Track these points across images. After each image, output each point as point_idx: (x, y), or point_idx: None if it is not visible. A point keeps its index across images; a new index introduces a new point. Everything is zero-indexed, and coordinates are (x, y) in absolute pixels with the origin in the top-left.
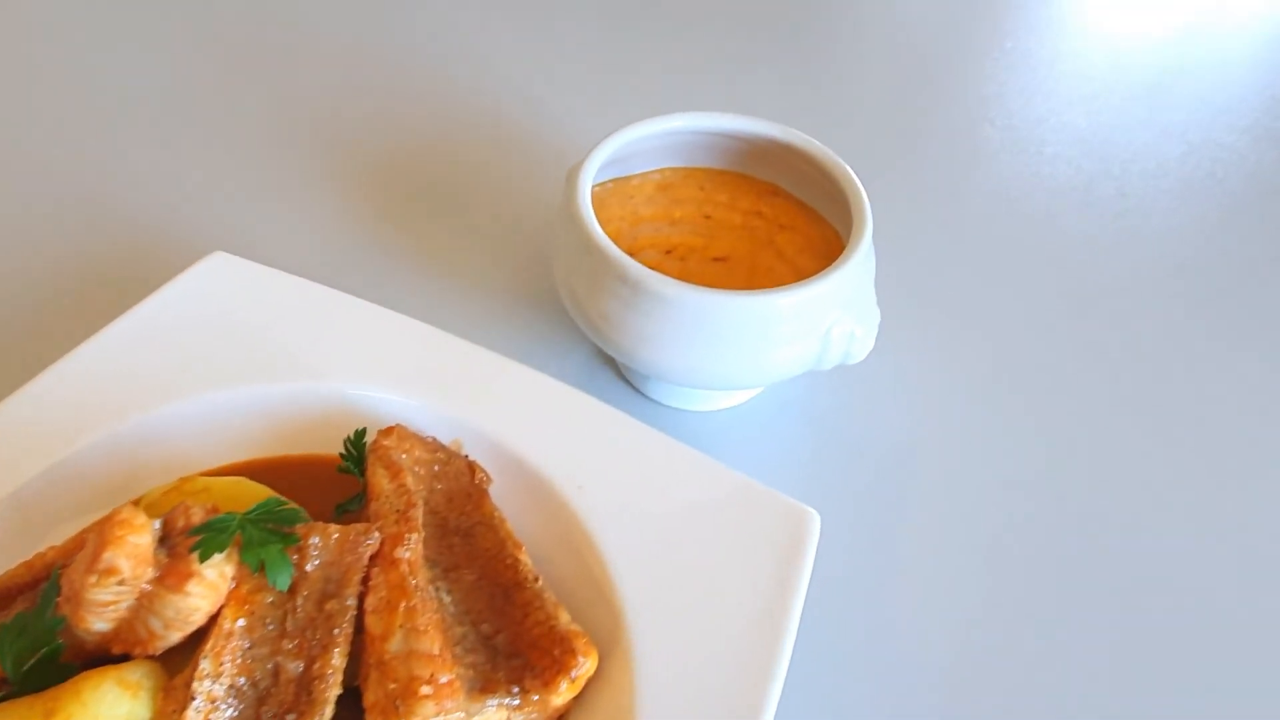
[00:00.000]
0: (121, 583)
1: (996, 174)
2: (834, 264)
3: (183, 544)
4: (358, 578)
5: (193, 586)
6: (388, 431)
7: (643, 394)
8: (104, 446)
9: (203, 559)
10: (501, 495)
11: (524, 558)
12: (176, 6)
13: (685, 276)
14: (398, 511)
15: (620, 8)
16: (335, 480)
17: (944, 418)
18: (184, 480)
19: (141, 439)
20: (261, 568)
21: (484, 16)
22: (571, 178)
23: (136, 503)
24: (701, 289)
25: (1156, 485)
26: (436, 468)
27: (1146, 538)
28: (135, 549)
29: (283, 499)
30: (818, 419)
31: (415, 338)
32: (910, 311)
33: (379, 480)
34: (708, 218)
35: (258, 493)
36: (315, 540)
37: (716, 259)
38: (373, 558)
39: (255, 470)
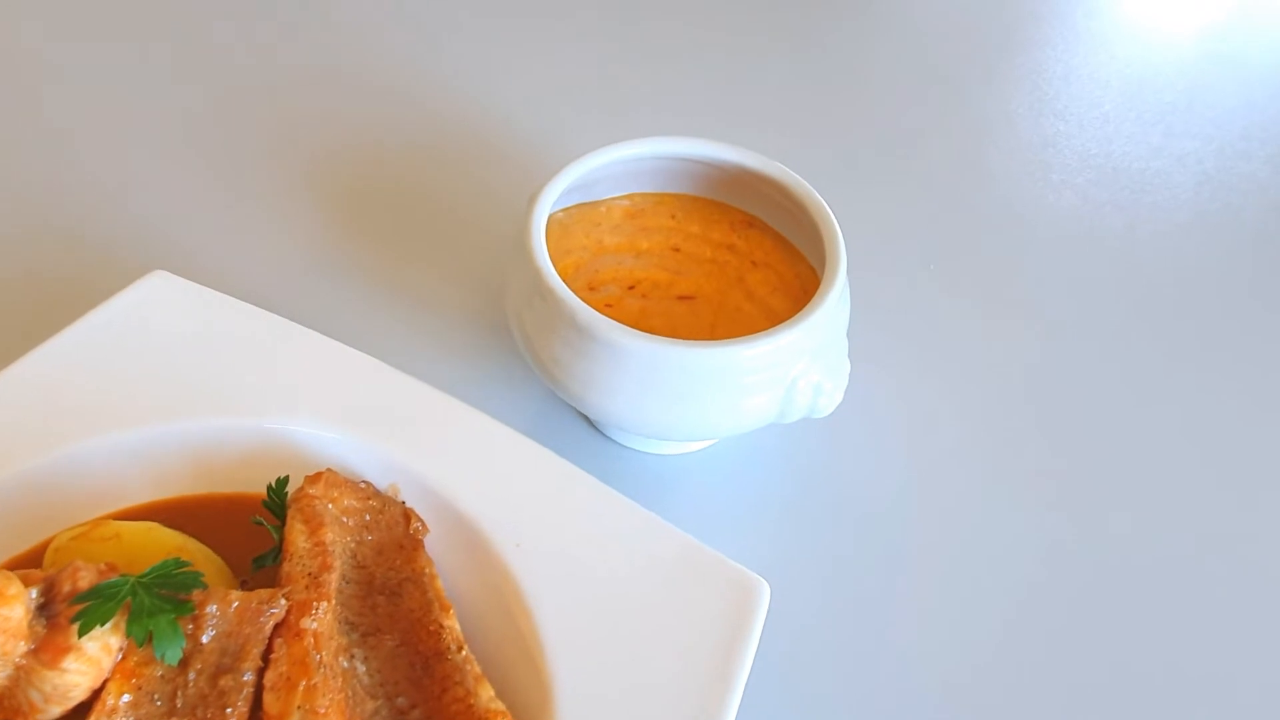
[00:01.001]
0: None
1: (998, 201)
2: (800, 312)
3: (65, 612)
4: (257, 651)
5: (70, 662)
6: (315, 478)
7: (600, 433)
8: (20, 481)
9: (82, 632)
10: (437, 546)
11: (450, 623)
12: (130, 6)
13: (646, 316)
14: (310, 575)
15: (604, 21)
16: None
17: (926, 476)
18: (96, 524)
19: (62, 472)
20: (149, 640)
21: (456, 25)
22: (529, 205)
23: (44, 546)
24: (654, 338)
25: (1161, 554)
26: (368, 517)
27: (1147, 610)
28: (5, 623)
29: (183, 560)
30: (785, 468)
31: (359, 371)
32: (892, 355)
33: (295, 537)
34: (676, 250)
35: (168, 542)
36: (212, 608)
37: (681, 297)
38: (278, 627)
39: (178, 510)
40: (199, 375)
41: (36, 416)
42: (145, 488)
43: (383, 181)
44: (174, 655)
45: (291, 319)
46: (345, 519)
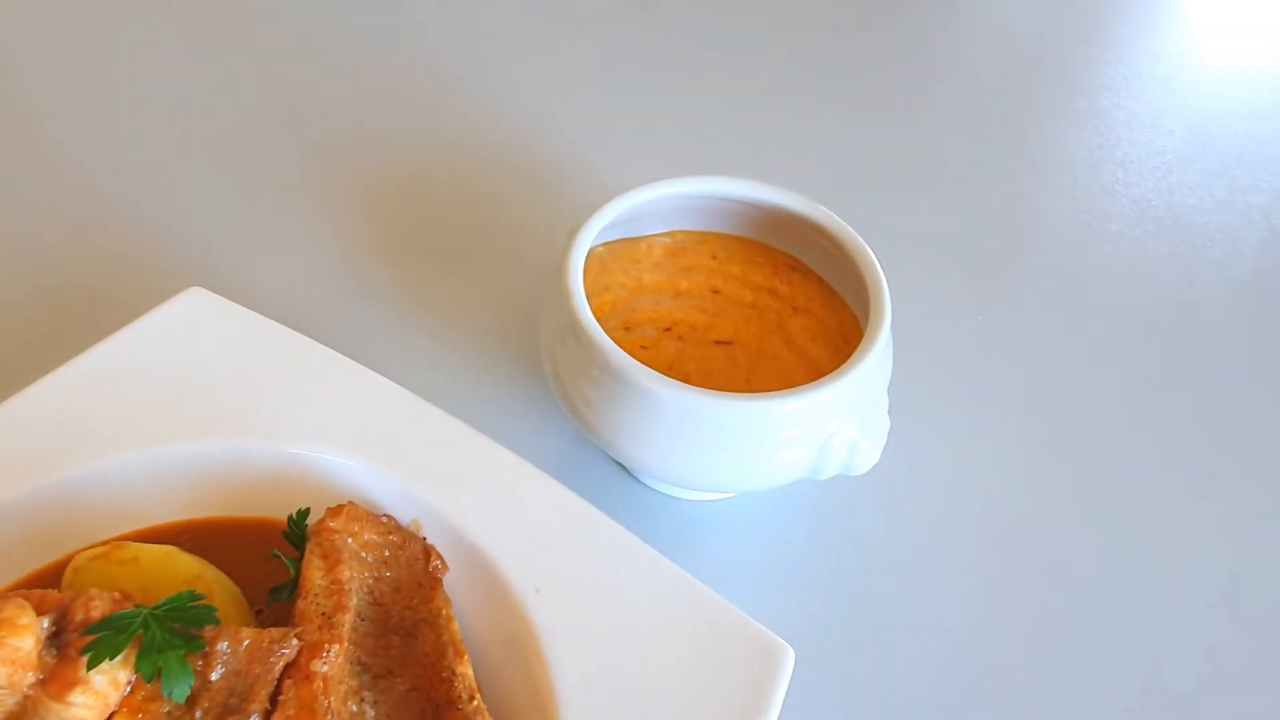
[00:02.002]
0: None
1: (1052, 250)
2: (841, 367)
3: (75, 643)
4: (265, 692)
5: (76, 696)
6: (336, 511)
7: (629, 474)
8: (46, 494)
9: (91, 665)
10: (455, 586)
11: (463, 669)
12: (175, 21)
13: (681, 360)
14: (324, 615)
15: (657, 59)
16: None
17: (967, 541)
18: (116, 545)
19: (87, 488)
20: (158, 675)
21: (508, 54)
22: (569, 241)
23: (65, 562)
24: (688, 388)
25: (1231, 625)
26: (387, 553)
27: (1185, 685)
28: (14, 653)
29: (198, 592)
30: (818, 523)
31: (388, 401)
32: (935, 411)
33: (312, 573)
34: (716, 292)
35: (186, 569)
36: (223, 646)
37: (719, 342)
38: (288, 667)
39: (200, 532)
40: (229, 395)
41: (66, 430)
42: (169, 507)
43: (427, 205)
44: (181, 693)
45: (325, 341)
46: (364, 554)
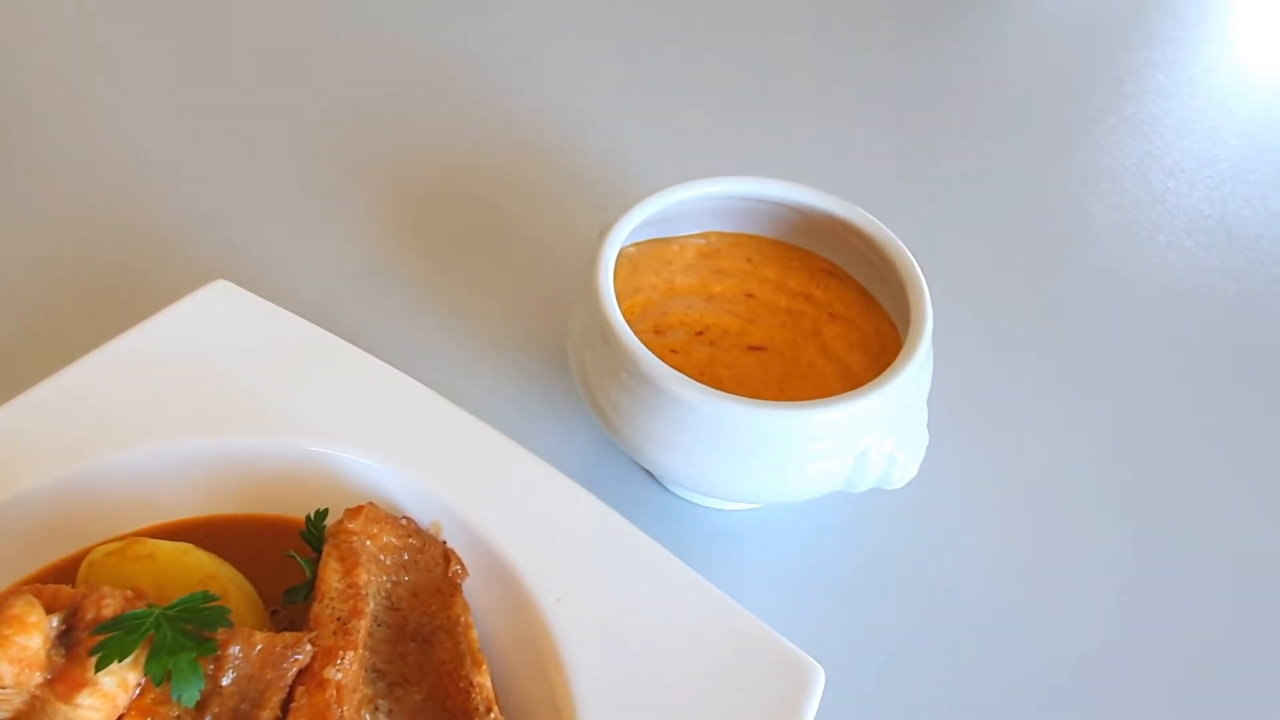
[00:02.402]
0: (3, 686)
1: (1098, 260)
2: (880, 376)
3: (85, 643)
4: (277, 698)
5: (84, 697)
6: (355, 512)
7: (657, 482)
8: (64, 487)
9: (100, 666)
10: (474, 592)
11: (481, 680)
12: (209, 12)
13: (713, 366)
14: (339, 620)
15: (692, 60)
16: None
17: (1006, 561)
18: (132, 541)
19: (105, 481)
20: (167, 678)
21: (550, 38)
22: (599, 240)
23: (81, 556)
24: (719, 394)
25: (1249, 659)
26: (406, 556)
27: (1221, 703)
28: (21, 652)
29: (211, 594)
30: (851, 538)
31: (412, 401)
32: (975, 425)
33: (329, 576)
34: (750, 296)
35: (201, 568)
36: (235, 649)
37: (752, 347)
38: (301, 673)
39: (218, 529)
40: (250, 390)
41: (87, 422)
42: (186, 502)
43: (457, 203)
44: (191, 697)
45: (349, 338)
46: (383, 557)
